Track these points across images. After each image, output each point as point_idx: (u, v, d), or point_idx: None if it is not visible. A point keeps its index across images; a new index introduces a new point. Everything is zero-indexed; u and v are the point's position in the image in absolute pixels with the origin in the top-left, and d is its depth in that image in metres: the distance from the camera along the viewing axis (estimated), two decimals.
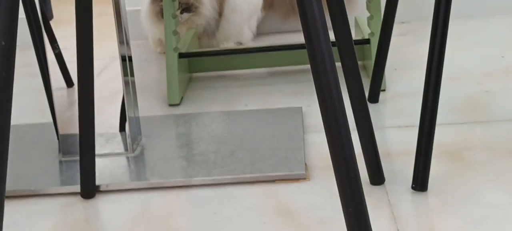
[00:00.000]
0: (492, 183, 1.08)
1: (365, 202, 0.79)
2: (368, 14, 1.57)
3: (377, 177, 1.11)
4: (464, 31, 2.00)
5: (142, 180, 1.15)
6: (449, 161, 1.17)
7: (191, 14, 1.82)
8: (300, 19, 0.70)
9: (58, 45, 1.31)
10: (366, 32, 1.62)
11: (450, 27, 2.00)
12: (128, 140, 1.26)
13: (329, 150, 0.79)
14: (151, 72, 1.83)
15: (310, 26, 0.69)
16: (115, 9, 1.20)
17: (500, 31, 1.98)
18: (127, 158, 1.24)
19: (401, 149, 1.23)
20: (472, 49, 1.82)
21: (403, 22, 2.15)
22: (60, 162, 1.24)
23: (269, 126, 1.34)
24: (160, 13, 1.79)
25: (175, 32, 1.58)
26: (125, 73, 1.25)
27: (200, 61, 1.71)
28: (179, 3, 1.77)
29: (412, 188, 1.08)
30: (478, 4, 2.15)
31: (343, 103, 0.75)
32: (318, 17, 0.68)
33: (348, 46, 0.96)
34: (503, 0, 2.14)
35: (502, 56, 1.72)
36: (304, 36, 0.70)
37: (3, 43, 0.69)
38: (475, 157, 1.18)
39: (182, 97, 1.59)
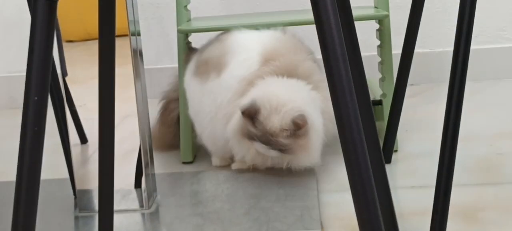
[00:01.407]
0: None
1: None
2: (380, 75, 1.60)
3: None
4: (473, 93, 2.02)
5: None
6: (464, 221, 1.18)
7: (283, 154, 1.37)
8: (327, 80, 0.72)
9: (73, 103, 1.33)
10: (377, 93, 1.64)
11: None
12: (144, 196, 1.27)
13: (355, 210, 0.80)
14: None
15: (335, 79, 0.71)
16: (134, 66, 1.23)
17: (508, 94, 2.00)
18: (143, 214, 1.25)
19: (415, 209, 1.24)
20: (482, 111, 1.83)
21: (412, 84, 2.17)
22: (76, 217, 1.25)
23: (283, 185, 1.34)
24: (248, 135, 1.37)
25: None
26: (142, 131, 1.26)
27: None
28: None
29: None
30: (485, 68, 2.18)
31: (369, 165, 0.76)
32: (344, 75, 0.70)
33: (366, 107, 0.98)
34: (510, 64, 2.18)
35: None
36: (330, 90, 0.72)
37: (36, 98, 0.71)
38: (489, 217, 1.19)
39: (195, 155, 1.60)
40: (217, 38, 1.52)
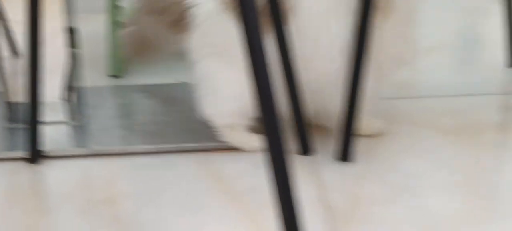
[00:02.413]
0: (412, 154, 1.18)
1: (290, 169, 0.86)
2: None
3: (306, 147, 1.19)
4: None
5: (85, 147, 1.21)
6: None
7: None
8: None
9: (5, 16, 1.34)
10: None
11: None
12: (72, 108, 1.31)
13: (260, 120, 0.86)
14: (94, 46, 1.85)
15: None
16: None
17: (431, 9, 2.08)
18: (71, 126, 1.29)
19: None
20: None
21: None
22: (6, 128, 1.29)
23: None
24: None
25: (117, 6, 1.61)
26: (70, 45, 1.29)
27: None
28: None
29: (339, 158, 1.17)
30: None
31: (271, 74, 0.83)
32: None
33: None
34: None
35: (431, 34, 1.82)
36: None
37: None
38: (398, 129, 1.27)
39: (124, 70, 1.62)
40: None
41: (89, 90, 1.47)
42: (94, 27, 2.01)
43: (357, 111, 1.14)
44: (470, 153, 1.17)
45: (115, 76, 1.58)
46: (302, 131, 1.17)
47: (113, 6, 1.60)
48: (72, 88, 1.34)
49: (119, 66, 1.58)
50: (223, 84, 1.17)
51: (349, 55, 1.11)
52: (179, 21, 1.22)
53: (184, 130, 1.27)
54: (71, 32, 1.30)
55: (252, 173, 1.13)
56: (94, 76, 1.60)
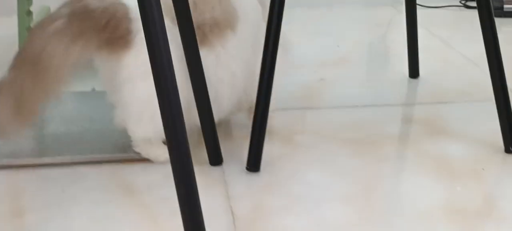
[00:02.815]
0: (315, 165, 1.23)
1: (195, 180, 0.90)
2: None
3: (215, 158, 1.22)
4: (306, 21, 2.16)
5: None
6: (282, 144, 1.31)
7: None
8: None
9: None
10: None
11: (293, 16, 2.16)
12: None
13: (164, 133, 0.89)
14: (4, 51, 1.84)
15: None
16: None
17: (338, 22, 2.15)
18: None
19: (242, 133, 1.35)
20: (312, 39, 1.98)
21: None
22: None
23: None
24: None
25: (28, 12, 1.61)
26: None
27: None
28: None
29: (246, 168, 1.20)
30: None
31: (175, 81, 0.86)
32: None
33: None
34: None
35: (338, 46, 1.89)
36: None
37: None
38: (303, 140, 1.32)
39: None
40: None
41: None
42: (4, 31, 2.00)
43: (265, 124, 1.18)
44: (370, 164, 1.23)
45: None
46: (212, 141, 1.21)
47: (25, 11, 1.59)
48: None
49: None
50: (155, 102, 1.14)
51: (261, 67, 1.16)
52: (119, 37, 1.15)
53: (96, 140, 1.27)
54: None
55: (163, 184, 1.15)
56: None
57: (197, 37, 1.14)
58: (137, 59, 1.14)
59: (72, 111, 1.40)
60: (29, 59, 1.12)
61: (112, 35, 1.14)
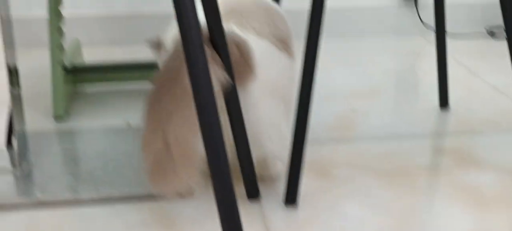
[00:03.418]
0: (351, 197, 1.22)
1: (239, 217, 0.90)
2: None
3: (253, 192, 1.22)
4: (337, 50, 2.16)
5: (29, 196, 1.20)
6: (317, 176, 1.30)
7: None
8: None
9: None
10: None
11: (325, 46, 2.16)
12: (15, 155, 1.29)
13: (208, 166, 0.89)
14: (35, 84, 1.85)
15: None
16: (1, 15, 1.23)
17: (369, 52, 2.15)
18: (14, 174, 1.28)
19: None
20: (342, 69, 1.97)
21: None
22: None
23: None
24: None
25: (60, 46, 1.62)
26: (11, 85, 1.27)
27: (86, 75, 1.76)
28: None
29: (284, 202, 1.20)
30: (352, 25, 2.32)
31: (220, 122, 0.86)
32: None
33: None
34: (374, 23, 2.33)
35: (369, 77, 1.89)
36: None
37: None
38: (338, 173, 1.32)
39: (68, 112, 1.63)
40: None
41: (32, 134, 1.46)
42: (34, 64, 2.01)
43: (303, 158, 1.18)
44: (404, 196, 1.23)
45: (60, 117, 1.57)
46: (249, 175, 1.20)
47: (57, 44, 1.60)
48: (14, 132, 1.33)
49: (64, 106, 1.58)
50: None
51: (297, 104, 1.16)
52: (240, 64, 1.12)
53: (133, 175, 1.27)
54: (12, 70, 1.28)
55: (204, 220, 1.15)
56: (37, 118, 1.59)
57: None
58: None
59: (107, 147, 1.39)
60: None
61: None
